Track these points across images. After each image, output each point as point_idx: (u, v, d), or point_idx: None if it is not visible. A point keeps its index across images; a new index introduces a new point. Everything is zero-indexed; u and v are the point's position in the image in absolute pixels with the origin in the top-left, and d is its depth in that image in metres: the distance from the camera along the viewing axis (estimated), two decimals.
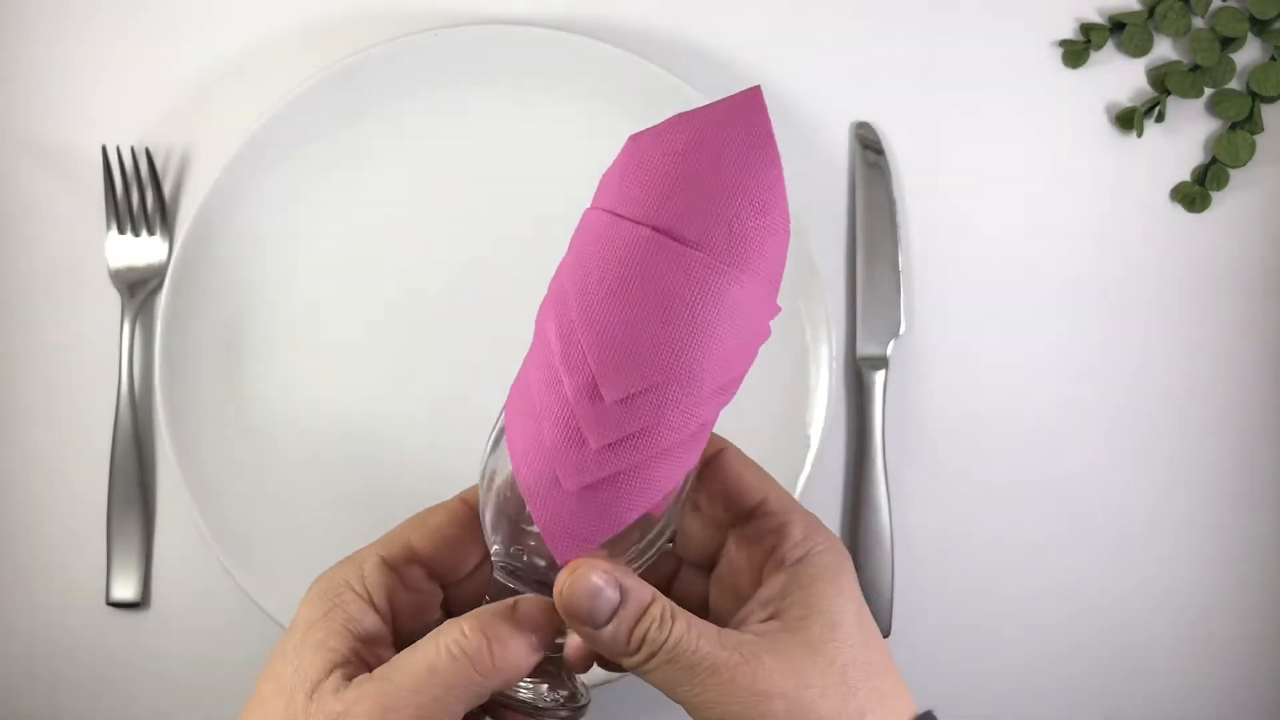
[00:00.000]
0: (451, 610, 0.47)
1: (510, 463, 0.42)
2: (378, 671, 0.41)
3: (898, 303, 0.66)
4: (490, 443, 0.45)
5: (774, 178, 0.41)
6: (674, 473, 0.42)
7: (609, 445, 0.40)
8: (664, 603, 0.42)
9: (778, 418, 0.63)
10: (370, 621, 0.43)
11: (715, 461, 0.46)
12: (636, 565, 0.44)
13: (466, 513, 0.47)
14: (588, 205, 0.44)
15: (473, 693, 0.41)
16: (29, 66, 0.65)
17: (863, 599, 0.44)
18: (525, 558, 0.44)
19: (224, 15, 0.66)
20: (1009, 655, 0.66)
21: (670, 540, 0.46)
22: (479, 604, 0.44)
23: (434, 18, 0.66)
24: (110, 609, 0.63)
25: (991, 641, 0.66)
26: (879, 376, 0.65)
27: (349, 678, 0.41)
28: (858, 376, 0.66)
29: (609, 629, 0.41)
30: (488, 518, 0.44)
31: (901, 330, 0.66)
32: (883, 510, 0.65)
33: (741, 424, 0.64)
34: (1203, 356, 0.67)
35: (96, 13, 0.66)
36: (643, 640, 0.41)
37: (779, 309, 0.43)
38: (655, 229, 0.40)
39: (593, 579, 0.41)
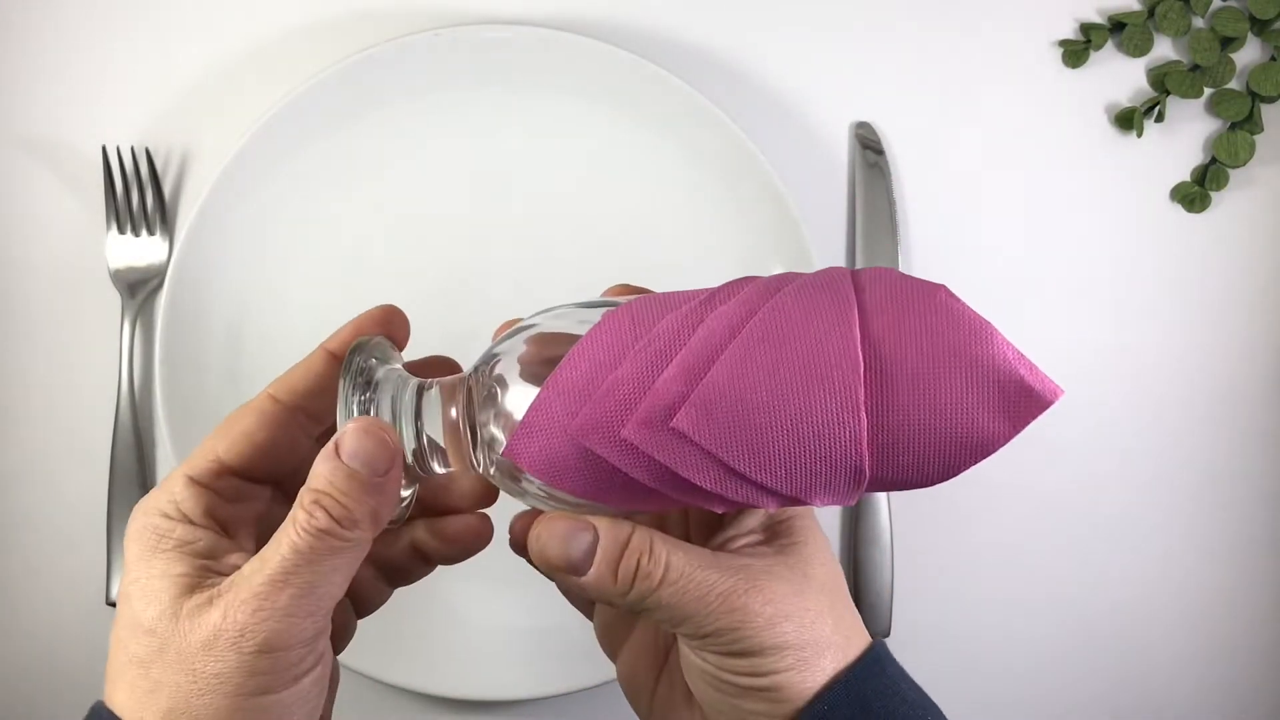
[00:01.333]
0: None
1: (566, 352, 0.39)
2: (241, 571, 0.38)
3: None
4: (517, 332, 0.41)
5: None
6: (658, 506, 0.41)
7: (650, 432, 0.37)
8: (647, 532, 0.40)
9: None
10: (205, 539, 0.40)
11: None
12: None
13: (279, 412, 0.42)
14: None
15: (348, 554, 0.39)
16: (29, 66, 0.65)
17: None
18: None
19: (224, 15, 0.66)
20: (1008, 655, 0.66)
21: None
22: None
23: (434, 18, 0.66)
24: (110, 609, 0.63)
25: (991, 642, 0.66)
26: None
27: (208, 593, 0.38)
28: None
29: (592, 572, 0.40)
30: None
31: None
32: (882, 510, 0.65)
33: None
34: (1202, 356, 0.67)
35: (97, 13, 0.66)
36: (633, 575, 0.40)
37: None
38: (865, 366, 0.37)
39: (559, 524, 0.40)
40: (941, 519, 0.66)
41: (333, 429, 0.41)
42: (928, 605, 0.66)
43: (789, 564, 0.42)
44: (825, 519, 0.65)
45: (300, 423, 0.43)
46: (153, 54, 0.65)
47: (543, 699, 0.62)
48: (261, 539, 0.40)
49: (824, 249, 0.66)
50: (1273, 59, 0.68)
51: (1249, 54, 0.68)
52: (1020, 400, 0.38)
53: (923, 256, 0.67)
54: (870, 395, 0.37)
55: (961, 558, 0.66)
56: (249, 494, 0.42)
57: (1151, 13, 0.68)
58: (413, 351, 0.66)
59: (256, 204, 0.63)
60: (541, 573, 0.42)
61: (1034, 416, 0.38)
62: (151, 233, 0.64)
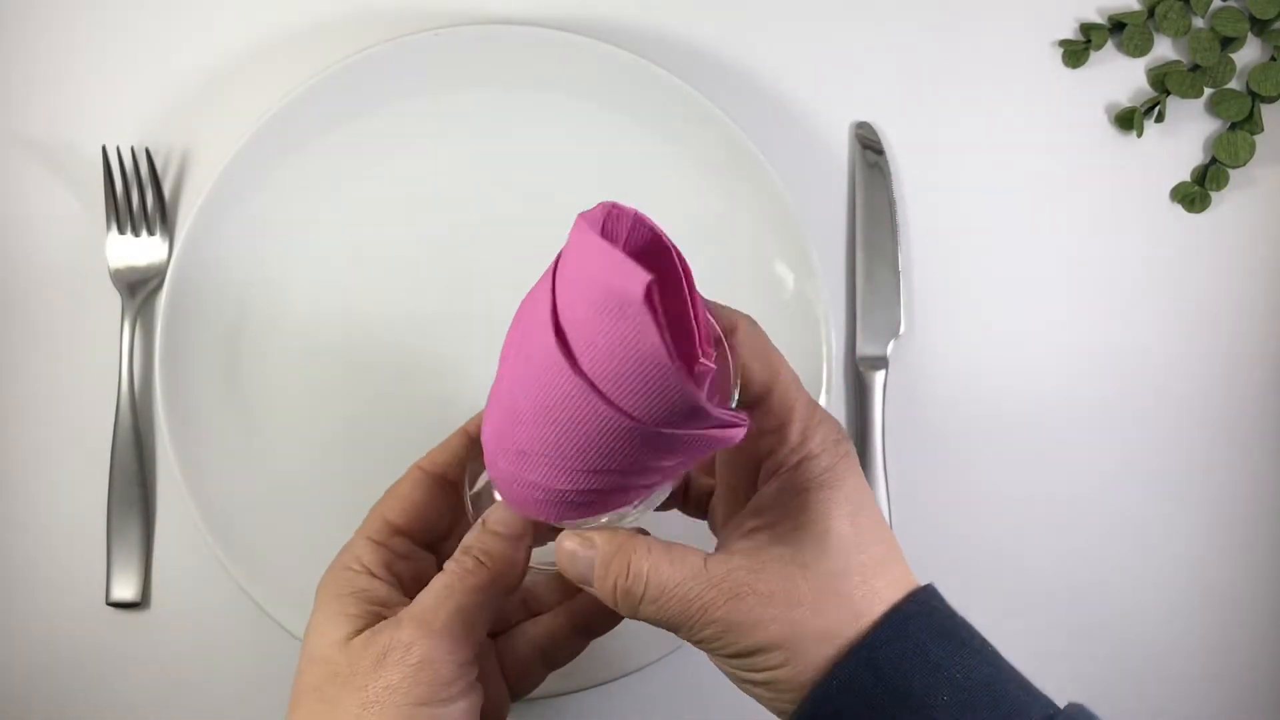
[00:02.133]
0: None
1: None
2: (407, 607, 0.46)
3: (898, 303, 0.66)
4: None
5: (642, 327, 0.37)
6: (626, 495, 0.42)
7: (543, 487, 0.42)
8: (631, 548, 0.43)
9: None
10: (380, 589, 0.47)
11: (725, 344, 0.44)
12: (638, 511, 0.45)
13: (426, 478, 0.51)
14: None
15: (491, 591, 0.46)
16: (29, 66, 0.65)
17: (863, 492, 0.44)
18: None
19: (224, 15, 0.66)
20: (1009, 655, 0.66)
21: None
22: None
23: (434, 18, 0.66)
24: (110, 609, 0.63)
25: (991, 641, 0.66)
26: (879, 377, 0.65)
27: (377, 627, 0.46)
28: (858, 377, 0.66)
29: (595, 586, 0.44)
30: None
31: (901, 330, 0.66)
32: (883, 510, 0.65)
33: None
34: (1202, 356, 0.67)
35: (96, 13, 0.66)
36: (613, 591, 0.44)
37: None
38: (551, 327, 0.39)
39: (565, 544, 0.45)
40: (941, 519, 0.66)
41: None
42: None
43: (785, 555, 0.43)
44: None
45: (444, 487, 0.51)
46: (153, 54, 0.65)
47: (542, 699, 0.62)
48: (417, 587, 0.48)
49: (824, 249, 0.66)
50: (1273, 59, 0.68)
51: (1249, 54, 0.68)
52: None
53: (922, 256, 0.67)
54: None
55: (961, 558, 0.66)
56: (417, 555, 0.50)
57: (1151, 13, 0.68)
58: (411, 351, 0.66)
59: (256, 204, 0.63)
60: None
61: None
62: (151, 233, 0.64)
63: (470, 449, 0.51)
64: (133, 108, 0.65)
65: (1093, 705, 0.66)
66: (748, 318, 0.45)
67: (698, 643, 0.43)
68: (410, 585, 0.49)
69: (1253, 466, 0.67)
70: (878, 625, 0.42)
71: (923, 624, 0.43)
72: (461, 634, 0.45)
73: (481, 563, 0.46)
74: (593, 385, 0.38)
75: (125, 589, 0.63)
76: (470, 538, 0.47)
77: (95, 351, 0.64)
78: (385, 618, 0.46)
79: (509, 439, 0.42)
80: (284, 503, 0.63)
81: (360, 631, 0.45)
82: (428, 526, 0.51)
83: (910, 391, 0.66)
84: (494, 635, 0.52)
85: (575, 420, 0.38)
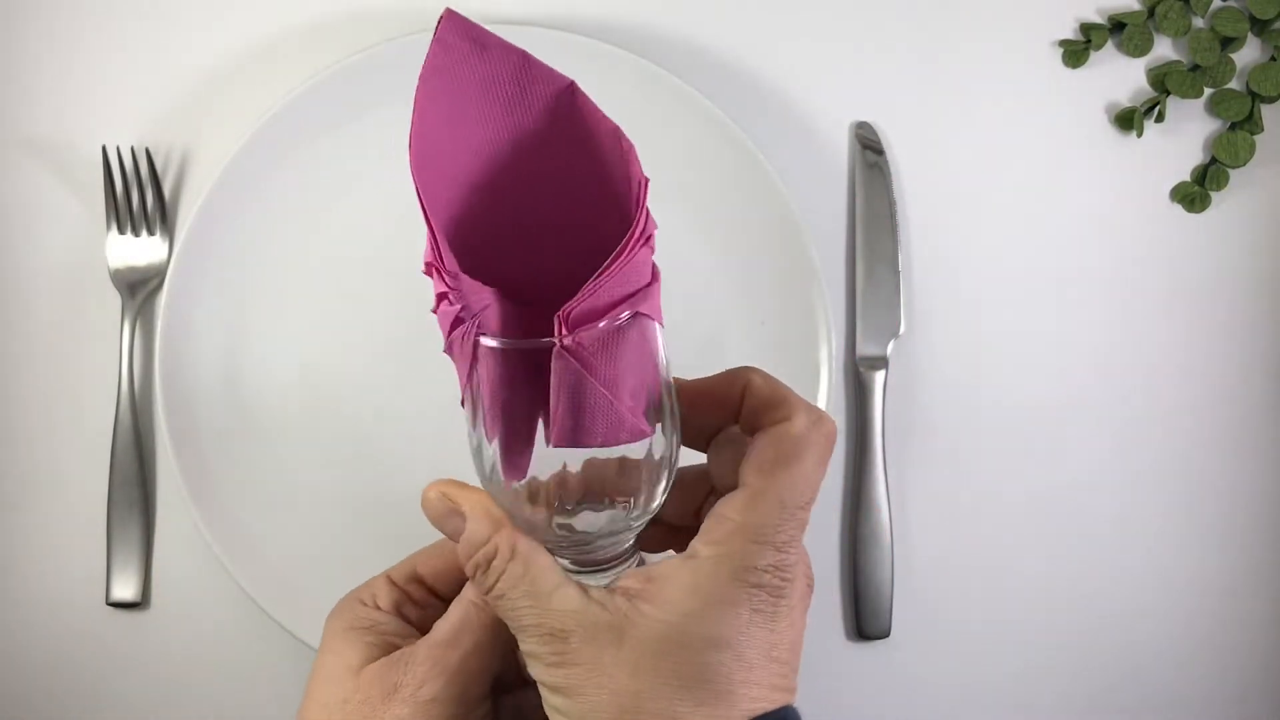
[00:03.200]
0: None
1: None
2: (419, 640, 0.45)
3: (897, 303, 0.66)
4: None
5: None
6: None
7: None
8: (511, 540, 0.42)
9: None
10: (392, 623, 0.47)
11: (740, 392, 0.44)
12: (655, 503, 0.42)
13: None
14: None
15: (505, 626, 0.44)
16: (29, 66, 0.65)
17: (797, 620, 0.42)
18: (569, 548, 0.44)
19: (224, 15, 0.66)
20: (1009, 654, 0.66)
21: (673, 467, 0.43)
22: None
23: (434, 18, 0.66)
24: (110, 609, 0.63)
25: (991, 641, 0.66)
26: (879, 377, 0.65)
27: (390, 658, 0.45)
28: (858, 377, 0.65)
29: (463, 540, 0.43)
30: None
31: (901, 330, 0.66)
32: (883, 510, 0.65)
33: None
34: (1202, 355, 0.67)
35: (96, 13, 0.66)
36: (475, 565, 0.42)
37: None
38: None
39: (429, 493, 0.45)
40: (941, 519, 0.66)
41: None
42: (928, 605, 0.66)
43: (623, 622, 0.40)
44: (824, 519, 0.65)
45: None
46: (153, 54, 0.65)
47: None
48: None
49: (824, 249, 0.66)
50: (1273, 59, 0.68)
51: (1249, 54, 0.68)
52: None
53: (922, 256, 0.67)
54: None
55: (961, 558, 0.66)
56: (434, 605, 0.49)
57: (1151, 13, 0.68)
58: (413, 351, 0.66)
59: (256, 204, 0.63)
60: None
61: None
62: (151, 233, 0.64)
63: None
64: (133, 108, 0.65)
65: (1094, 704, 0.66)
66: (759, 371, 0.45)
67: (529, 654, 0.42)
68: (422, 629, 0.48)
69: (1253, 465, 0.67)
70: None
71: None
72: (476, 670, 0.45)
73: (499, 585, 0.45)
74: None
75: (125, 589, 0.63)
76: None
77: (95, 351, 0.64)
78: (398, 648, 0.46)
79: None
80: (284, 503, 0.63)
81: (373, 660, 0.45)
82: (454, 586, 0.49)
83: (910, 391, 0.66)
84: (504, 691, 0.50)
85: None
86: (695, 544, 0.41)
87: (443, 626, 0.45)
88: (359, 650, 0.46)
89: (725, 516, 0.41)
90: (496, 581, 0.42)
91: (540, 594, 0.41)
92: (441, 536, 0.47)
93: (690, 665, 0.39)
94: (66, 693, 0.63)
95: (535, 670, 0.42)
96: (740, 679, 0.40)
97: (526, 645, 0.42)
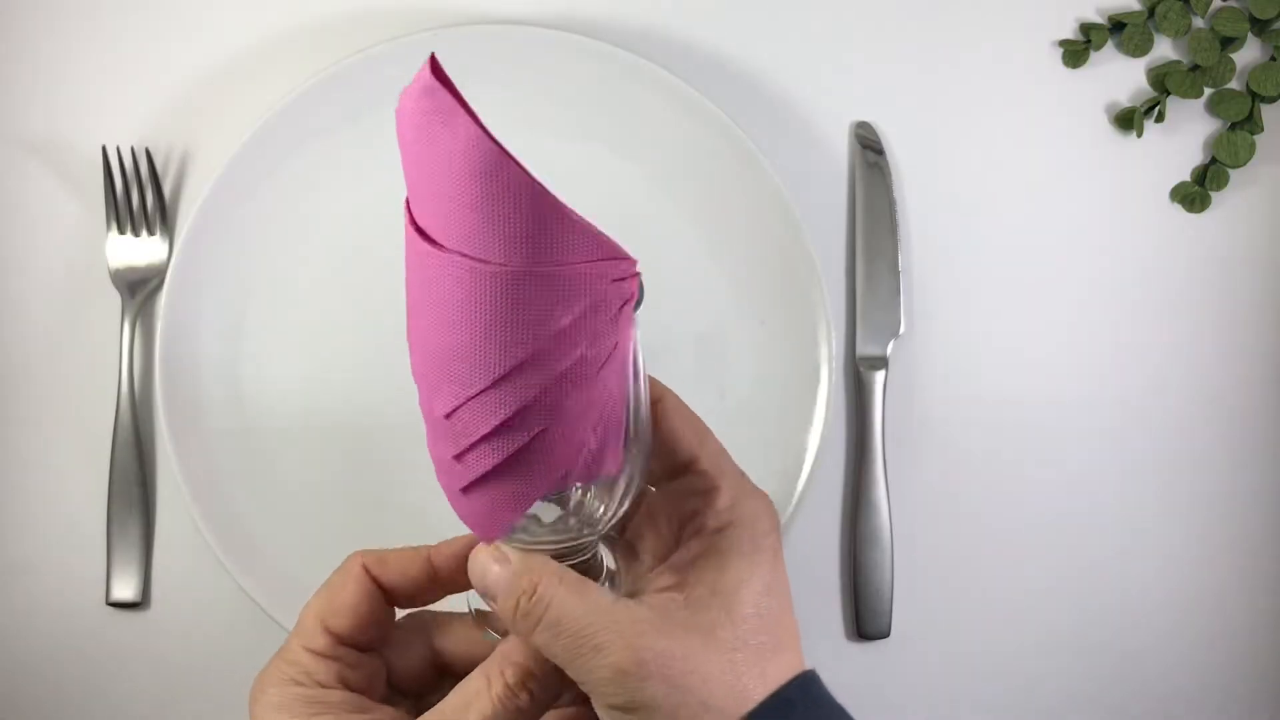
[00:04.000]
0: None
1: None
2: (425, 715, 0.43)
3: (897, 303, 0.66)
4: None
5: (460, 134, 0.38)
6: (574, 436, 0.40)
7: (460, 455, 0.40)
8: (541, 573, 0.41)
9: (778, 418, 0.63)
10: (348, 700, 0.44)
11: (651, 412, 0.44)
12: (612, 503, 0.43)
13: (370, 586, 0.46)
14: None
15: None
16: (29, 66, 0.65)
17: (779, 574, 0.43)
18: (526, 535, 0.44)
19: (224, 15, 0.66)
20: (1009, 654, 0.66)
21: (637, 488, 0.44)
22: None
23: (434, 18, 0.66)
24: (110, 609, 0.63)
25: (991, 641, 0.66)
26: (879, 377, 0.65)
27: None
28: (858, 377, 0.66)
29: (499, 603, 0.42)
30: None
31: (901, 330, 0.66)
32: (883, 510, 0.65)
33: (741, 424, 0.64)
34: (1202, 356, 0.67)
35: (97, 13, 0.66)
36: (515, 609, 0.41)
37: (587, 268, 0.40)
38: (413, 234, 0.40)
39: (479, 556, 0.43)
40: (941, 519, 0.66)
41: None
42: (928, 605, 0.66)
43: (691, 621, 0.41)
44: (824, 519, 0.65)
45: (388, 595, 0.47)
46: (153, 54, 0.65)
47: None
48: (375, 694, 0.45)
49: (824, 249, 0.66)
50: (1273, 59, 0.68)
51: (1249, 54, 0.68)
52: None
53: (922, 256, 0.67)
54: None
55: (961, 558, 0.66)
56: (365, 663, 0.46)
57: (1151, 13, 0.68)
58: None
59: (256, 204, 0.63)
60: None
61: None
62: (151, 233, 0.64)
63: (429, 580, 0.47)
64: (133, 108, 0.65)
65: (1094, 704, 0.66)
66: (672, 392, 0.45)
67: (584, 684, 0.41)
68: (366, 689, 0.45)
69: (1253, 465, 0.67)
70: (762, 708, 0.41)
71: (806, 713, 0.42)
72: None
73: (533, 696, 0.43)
74: (433, 243, 0.38)
75: (125, 589, 0.63)
76: (520, 653, 0.44)
77: (95, 351, 0.64)
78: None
79: (432, 411, 0.41)
80: (284, 502, 0.63)
81: None
82: (373, 634, 0.46)
83: (910, 391, 0.66)
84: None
85: (446, 301, 0.38)
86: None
87: (450, 703, 0.43)
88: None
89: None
90: (543, 617, 0.41)
91: (600, 608, 0.41)
92: (327, 581, 0.46)
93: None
94: (66, 693, 0.63)
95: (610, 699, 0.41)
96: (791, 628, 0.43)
97: (599, 673, 0.40)
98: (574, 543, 0.43)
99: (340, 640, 0.45)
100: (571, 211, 0.38)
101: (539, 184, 0.37)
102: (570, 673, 0.41)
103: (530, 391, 0.39)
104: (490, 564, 0.42)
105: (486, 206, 0.37)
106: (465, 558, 0.44)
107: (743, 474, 0.45)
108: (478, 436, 0.40)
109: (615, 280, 0.39)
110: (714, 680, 0.41)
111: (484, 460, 0.40)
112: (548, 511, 0.43)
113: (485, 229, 0.37)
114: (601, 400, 0.40)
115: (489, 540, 0.42)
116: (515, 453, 0.40)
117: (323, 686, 0.44)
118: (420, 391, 0.42)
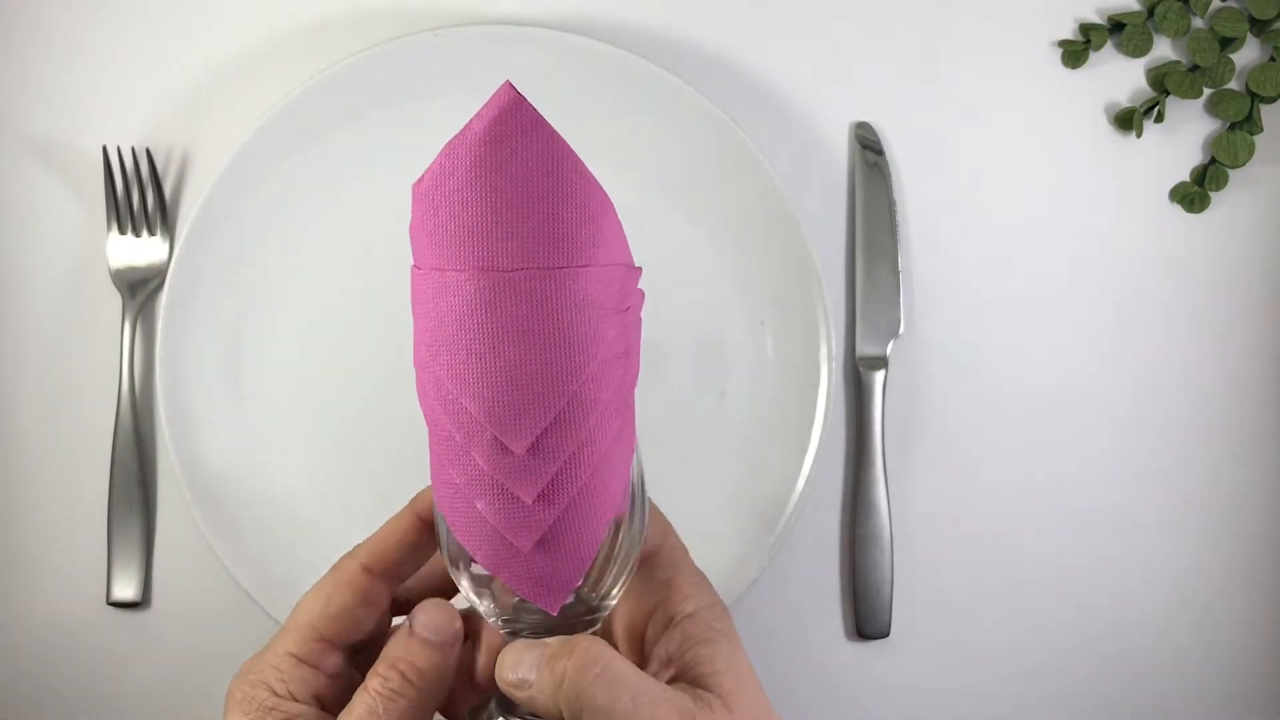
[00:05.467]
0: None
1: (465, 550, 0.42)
2: None
3: (897, 303, 0.66)
4: (443, 532, 0.43)
5: (552, 150, 0.39)
6: (618, 471, 0.41)
7: (542, 492, 0.39)
8: (588, 642, 0.41)
9: (778, 417, 0.63)
10: (304, 716, 0.43)
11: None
12: (622, 571, 0.43)
13: (364, 578, 0.45)
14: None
15: (415, 712, 0.43)
16: (30, 67, 0.65)
17: (742, 650, 0.44)
18: (523, 615, 0.43)
19: (224, 15, 0.66)
20: (1008, 655, 0.66)
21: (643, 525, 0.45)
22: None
23: (434, 18, 0.66)
24: (110, 609, 0.63)
25: (990, 641, 0.66)
26: (879, 377, 0.65)
27: None
28: (857, 377, 0.66)
29: (537, 679, 0.41)
30: (470, 593, 0.43)
31: (901, 330, 0.66)
32: (883, 510, 0.65)
33: (741, 425, 0.64)
34: (1201, 356, 0.67)
35: (98, 13, 0.66)
36: (562, 676, 0.40)
37: (636, 269, 0.41)
38: (479, 269, 0.38)
39: (511, 652, 0.42)
40: (941, 518, 0.66)
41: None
42: (927, 605, 0.66)
43: (712, 696, 0.42)
44: (825, 519, 0.65)
45: (386, 583, 0.46)
46: (153, 54, 0.65)
47: None
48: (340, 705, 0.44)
49: (824, 249, 0.66)
50: (1272, 59, 0.68)
51: (1248, 54, 0.68)
52: None
53: (922, 256, 0.67)
54: None
55: (961, 557, 0.66)
56: (349, 675, 0.45)
57: (1151, 13, 0.68)
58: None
59: (256, 204, 0.63)
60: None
61: None
62: (152, 233, 0.64)
63: (419, 534, 0.46)
64: (133, 108, 0.65)
65: (1094, 704, 0.66)
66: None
67: None
68: (337, 702, 0.44)
69: (1253, 465, 0.67)
70: None
71: None
72: None
73: (409, 680, 0.43)
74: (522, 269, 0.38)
75: (125, 589, 0.63)
76: (395, 646, 0.43)
77: (95, 351, 0.64)
78: None
79: (502, 457, 0.39)
80: (284, 503, 0.63)
81: None
82: (365, 634, 0.45)
83: (910, 391, 0.66)
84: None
85: (545, 318, 0.38)
86: None
87: (347, 714, 0.42)
88: None
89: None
90: (603, 669, 0.40)
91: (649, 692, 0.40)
92: (319, 585, 0.45)
93: None
94: (67, 692, 0.63)
95: None
96: None
97: None
98: (578, 620, 0.43)
99: (329, 643, 0.44)
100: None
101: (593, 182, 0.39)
102: None
103: (593, 399, 0.39)
104: (523, 651, 0.41)
105: (576, 215, 0.38)
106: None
107: (694, 565, 0.45)
108: (562, 460, 0.39)
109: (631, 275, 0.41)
110: None
111: (568, 487, 0.39)
112: None
113: (573, 236, 0.38)
114: (630, 423, 0.41)
115: (556, 608, 0.41)
116: (593, 472, 0.39)
117: (294, 699, 0.43)
118: (478, 442, 0.40)
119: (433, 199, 0.39)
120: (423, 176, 0.40)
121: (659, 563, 0.45)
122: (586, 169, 0.39)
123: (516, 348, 0.38)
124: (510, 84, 0.39)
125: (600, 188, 0.39)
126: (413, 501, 0.46)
